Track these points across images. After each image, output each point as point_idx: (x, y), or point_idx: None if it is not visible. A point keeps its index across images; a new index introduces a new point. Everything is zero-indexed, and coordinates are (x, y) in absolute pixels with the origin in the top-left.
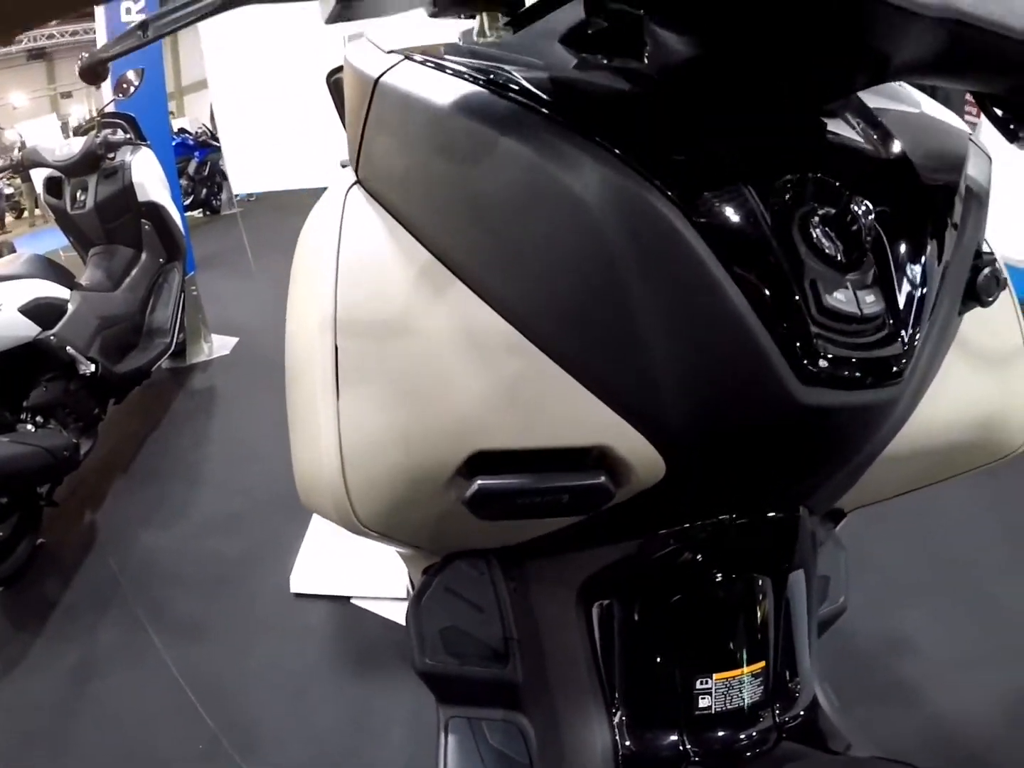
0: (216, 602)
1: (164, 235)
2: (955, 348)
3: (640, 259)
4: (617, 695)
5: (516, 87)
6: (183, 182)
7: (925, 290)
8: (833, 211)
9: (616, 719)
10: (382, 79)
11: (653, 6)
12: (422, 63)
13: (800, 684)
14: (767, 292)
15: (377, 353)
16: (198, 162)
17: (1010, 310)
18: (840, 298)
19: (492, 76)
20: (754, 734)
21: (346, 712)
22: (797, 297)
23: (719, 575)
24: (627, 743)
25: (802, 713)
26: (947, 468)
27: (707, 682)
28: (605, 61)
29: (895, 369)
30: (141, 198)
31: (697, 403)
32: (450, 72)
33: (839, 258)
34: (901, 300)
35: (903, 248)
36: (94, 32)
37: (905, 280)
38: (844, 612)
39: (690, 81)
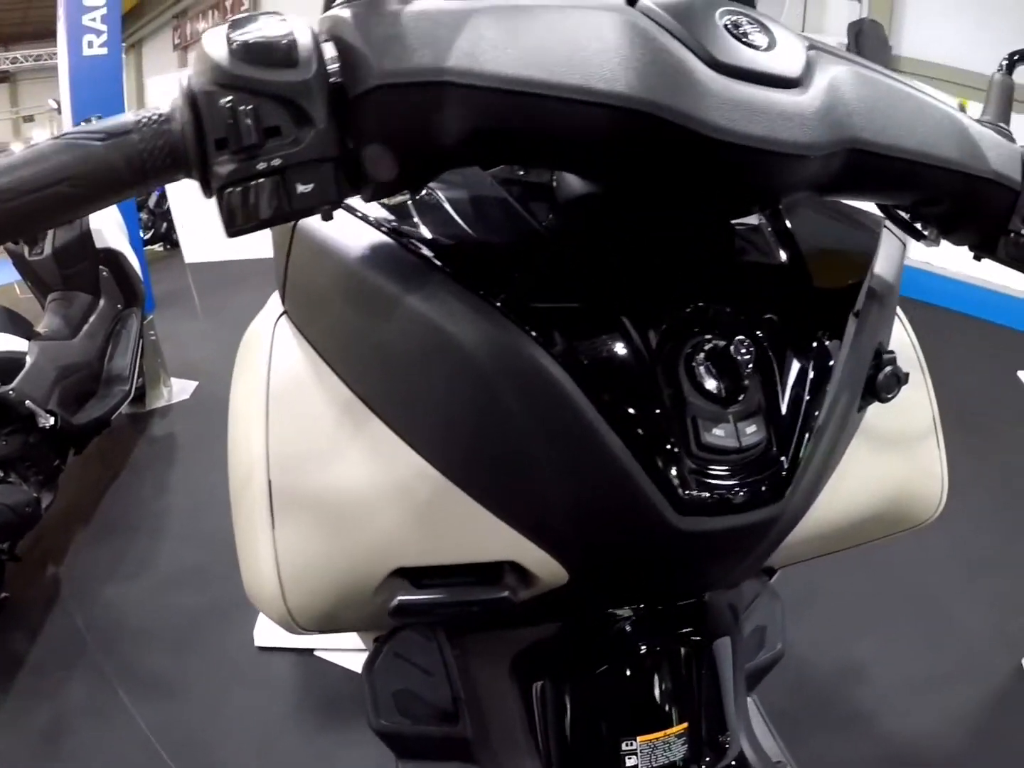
0: (182, 657)
1: (122, 281)
2: (862, 432)
3: (524, 409)
4: (552, 758)
5: (417, 240)
6: (143, 215)
7: (814, 407)
8: (720, 343)
9: None
10: (300, 222)
11: (551, 164)
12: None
13: (727, 740)
14: (642, 433)
15: (306, 487)
16: (158, 195)
17: (922, 390)
18: (719, 433)
19: (398, 225)
20: None
21: (312, 765)
22: (673, 437)
23: (638, 650)
24: None
25: (731, 765)
26: (860, 537)
27: (632, 744)
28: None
29: (775, 492)
30: (99, 244)
31: (586, 529)
32: (360, 216)
33: (721, 393)
34: (786, 423)
35: (794, 367)
36: (55, 57)
37: (792, 402)
38: (781, 658)
39: (589, 211)
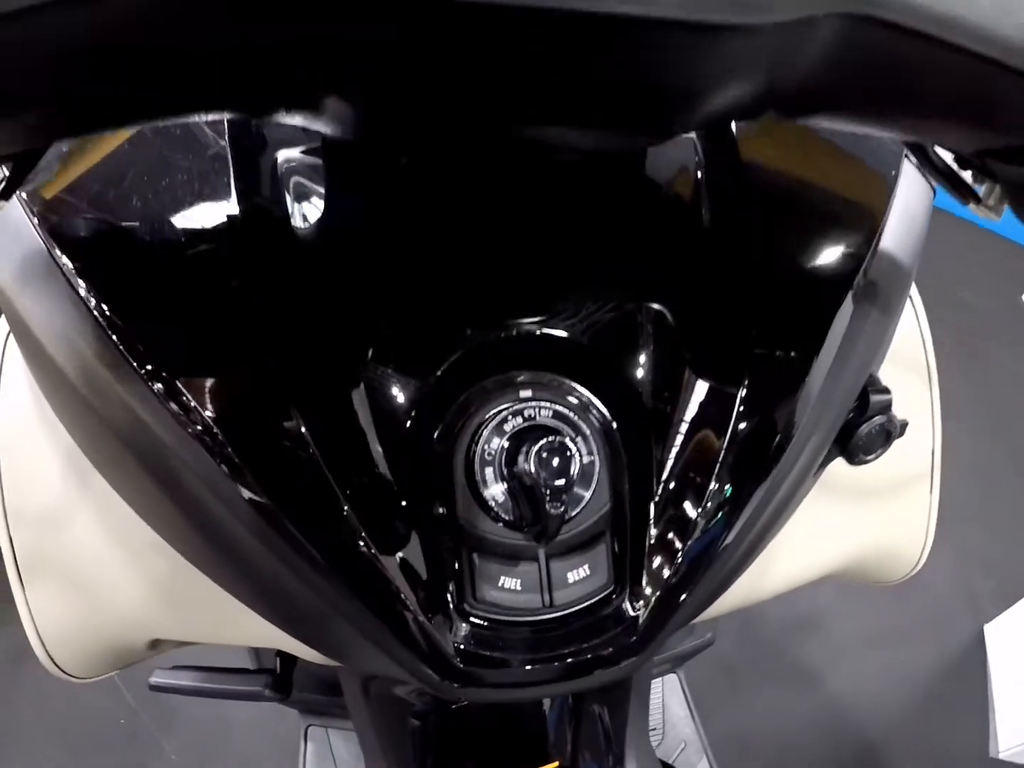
0: None
1: None
2: (833, 484)
3: (207, 521)
4: None
5: (72, 252)
6: None
7: (727, 518)
8: (541, 416)
9: None
10: None
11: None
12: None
13: None
14: (382, 576)
15: (45, 548)
16: None
17: (925, 423)
18: (509, 586)
19: (56, 230)
20: None
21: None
22: (436, 585)
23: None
24: None
25: None
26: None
27: None
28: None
29: (619, 652)
30: None
31: (353, 652)
32: (32, 209)
33: (523, 524)
34: (659, 550)
35: (694, 440)
36: None
37: (676, 516)
38: (710, 645)
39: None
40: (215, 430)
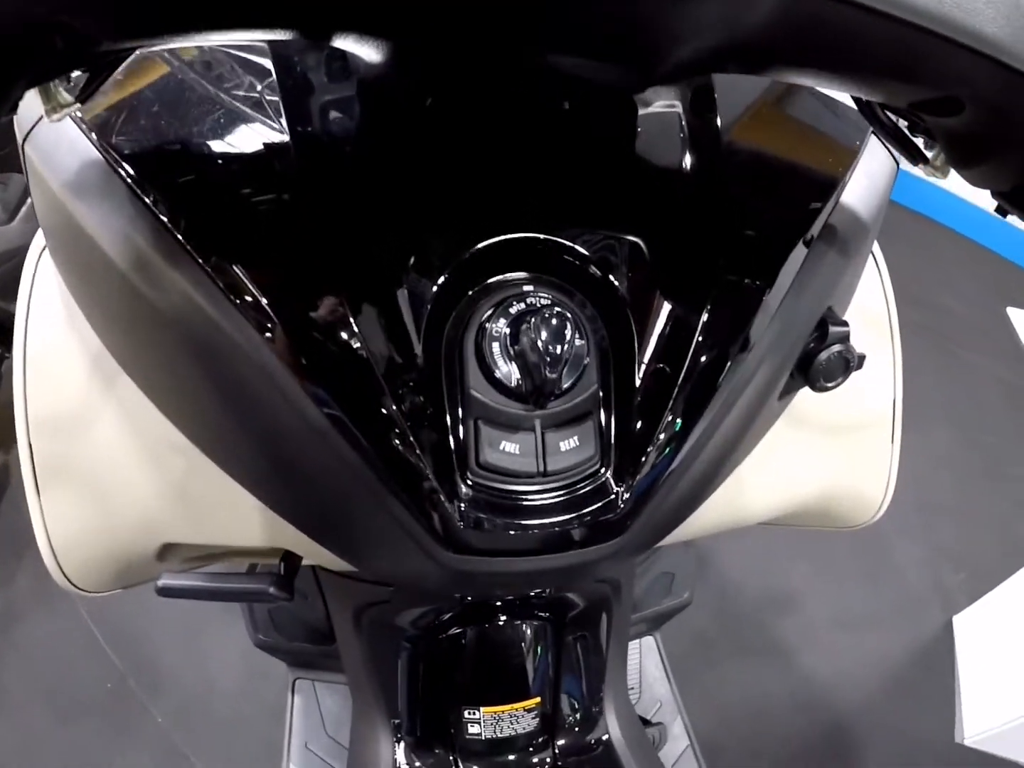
0: None
1: None
2: (798, 420)
3: (237, 393)
4: (396, 712)
5: (128, 165)
6: None
7: (697, 406)
8: (542, 303)
9: (396, 734)
10: (29, 139)
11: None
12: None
13: (590, 718)
14: (398, 445)
15: (64, 453)
16: None
17: (887, 367)
18: (509, 450)
19: (116, 143)
20: (531, 762)
21: (233, 645)
22: (445, 452)
23: (485, 621)
24: (402, 759)
25: (589, 745)
26: (781, 522)
27: (475, 713)
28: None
29: (604, 530)
30: None
31: (360, 543)
32: (89, 127)
33: (519, 386)
34: (637, 432)
35: (668, 337)
36: None
37: (653, 398)
38: (688, 605)
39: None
40: (263, 304)
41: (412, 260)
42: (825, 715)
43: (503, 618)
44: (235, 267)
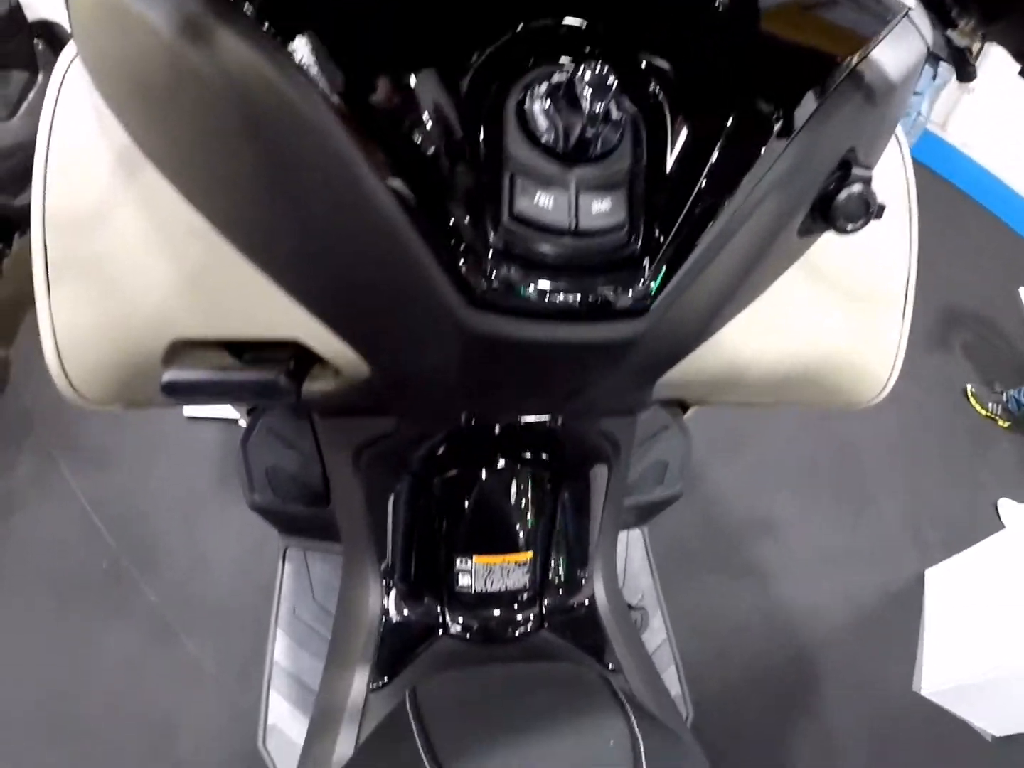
0: (120, 430)
1: (60, 52)
2: (809, 272)
3: (287, 160)
4: (388, 561)
5: None
6: None
7: (719, 197)
8: (582, 71)
9: (386, 584)
10: None
11: None
12: None
13: (580, 578)
14: (430, 195)
15: (79, 247)
16: None
17: (903, 241)
18: (543, 203)
19: None
20: (516, 618)
21: (228, 525)
22: (477, 204)
23: (485, 464)
24: (392, 608)
25: (574, 607)
26: (785, 397)
27: (467, 563)
28: None
29: (629, 304)
30: (31, 17)
31: (374, 312)
32: None
33: (559, 142)
34: (666, 208)
35: (697, 131)
36: None
37: (683, 180)
38: (679, 498)
39: None
40: (322, 64)
41: (468, 33)
42: (792, 637)
43: (503, 462)
44: (298, 31)
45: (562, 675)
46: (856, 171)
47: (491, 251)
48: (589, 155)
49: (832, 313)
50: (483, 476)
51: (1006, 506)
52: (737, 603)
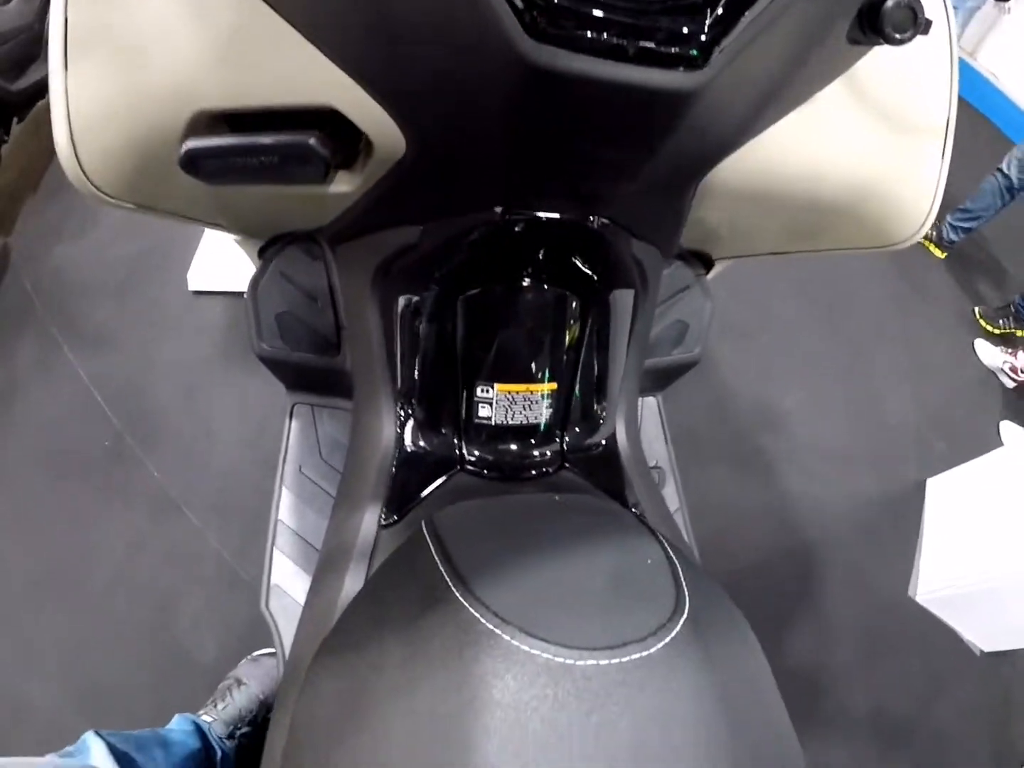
0: (122, 308)
1: None
2: (859, 104)
3: None
4: (404, 391)
5: None
6: None
7: None
8: None
9: (401, 415)
10: None
11: None
12: None
13: (599, 418)
14: None
15: (103, 20)
16: None
17: (945, 85)
18: None
19: None
20: (535, 455)
21: (232, 400)
22: None
23: (511, 279)
24: (407, 439)
25: (594, 447)
26: (820, 237)
27: (488, 391)
28: None
29: (689, 52)
30: None
31: (425, 60)
32: None
33: None
34: None
35: None
36: None
37: None
38: (696, 364)
39: None
40: None
41: None
42: (792, 531)
43: (528, 281)
44: None
45: (588, 506)
46: None
47: None
48: None
49: (874, 140)
50: (509, 296)
51: (1008, 428)
52: (740, 489)
